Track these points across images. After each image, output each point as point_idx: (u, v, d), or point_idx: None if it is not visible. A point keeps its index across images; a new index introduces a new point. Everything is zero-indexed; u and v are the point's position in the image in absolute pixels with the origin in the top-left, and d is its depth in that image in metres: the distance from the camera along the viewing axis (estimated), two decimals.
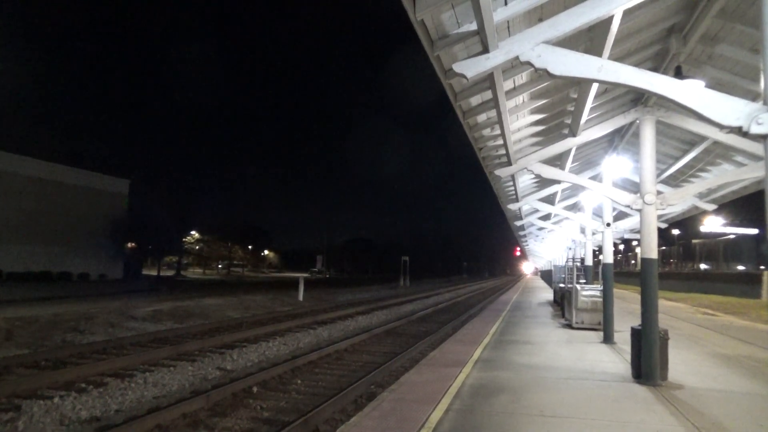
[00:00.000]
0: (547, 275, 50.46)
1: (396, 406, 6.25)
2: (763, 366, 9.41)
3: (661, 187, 12.58)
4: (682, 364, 9.02)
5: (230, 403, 8.03)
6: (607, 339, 11.56)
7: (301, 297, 28.99)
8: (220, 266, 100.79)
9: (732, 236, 38.48)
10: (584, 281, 15.94)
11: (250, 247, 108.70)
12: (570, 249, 24.05)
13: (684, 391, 7.21)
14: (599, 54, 5.53)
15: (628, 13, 5.58)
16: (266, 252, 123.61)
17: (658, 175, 12.58)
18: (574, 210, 17.42)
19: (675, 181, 13.94)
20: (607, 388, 7.35)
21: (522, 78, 7.33)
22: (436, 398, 6.58)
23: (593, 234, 15.72)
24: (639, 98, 8.48)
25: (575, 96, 8.07)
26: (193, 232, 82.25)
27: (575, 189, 15.41)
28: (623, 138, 11.09)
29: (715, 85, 7.75)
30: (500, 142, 9.26)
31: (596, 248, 21.91)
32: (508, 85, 7.14)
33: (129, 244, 57.35)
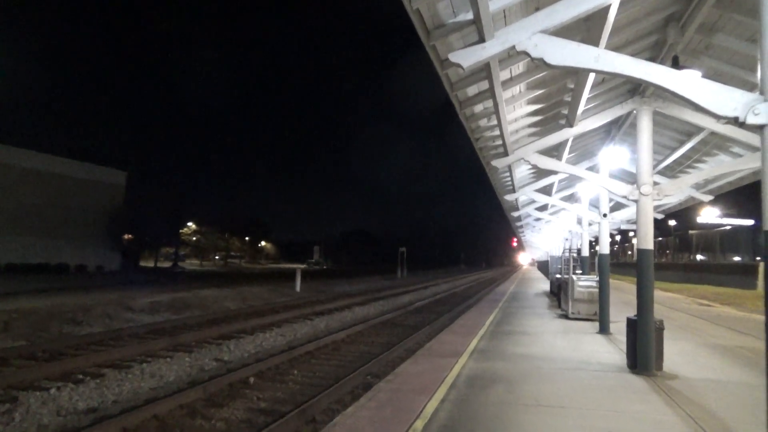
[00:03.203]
0: (543, 266, 50.60)
1: (392, 397, 6.27)
2: (758, 356, 9.44)
3: (658, 178, 12.59)
4: (678, 354, 9.06)
5: (227, 393, 8.06)
6: (603, 329, 11.60)
7: (298, 288, 29.02)
8: (217, 257, 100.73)
9: (728, 227, 38.53)
10: (580, 272, 15.99)
11: (247, 238, 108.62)
12: (567, 240, 24.09)
13: (679, 381, 7.24)
14: (596, 44, 5.50)
15: (625, 3, 5.56)
16: (264, 243, 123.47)
17: (655, 166, 12.60)
18: (571, 201, 17.42)
19: (672, 171, 13.95)
20: (603, 378, 7.38)
21: (519, 68, 7.30)
22: (432, 388, 6.60)
23: (590, 225, 15.75)
24: (636, 89, 8.46)
25: (572, 86, 8.04)
26: (190, 224, 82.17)
27: (572, 180, 15.40)
28: (620, 128, 11.07)
29: (712, 75, 7.74)
30: (497, 132, 9.23)
31: (593, 239, 21.95)
32: (504, 75, 7.11)
33: (126, 236, 57.26)
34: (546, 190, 16.06)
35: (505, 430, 5.11)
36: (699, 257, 39.70)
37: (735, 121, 4.00)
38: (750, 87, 7.15)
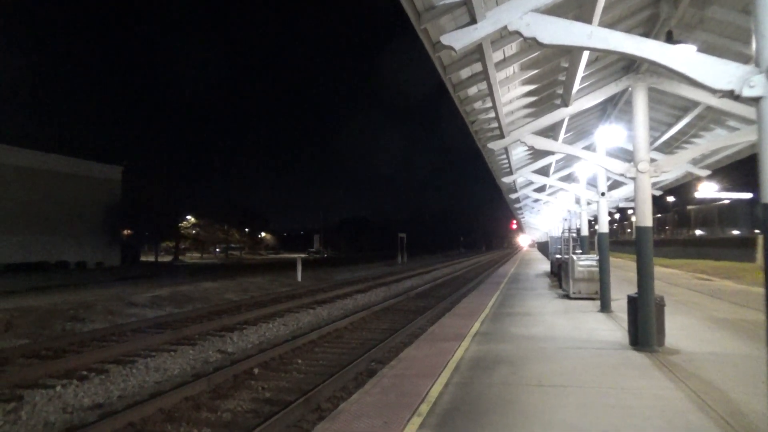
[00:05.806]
0: (543, 247, 50.72)
1: (396, 382, 6.30)
2: (758, 328, 9.50)
3: (655, 155, 12.57)
4: (679, 329, 9.10)
5: (232, 385, 8.09)
6: (604, 308, 11.65)
7: (299, 277, 29.07)
8: (217, 250, 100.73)
9: (727, 201, 38.54)
10: (580, 251, 16.00)
11: (246, 229, 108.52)
12: (566, 220, 24.12)
13: (680, 355, 7.28)
14: (589, 21, 5.45)
15: None
16: (263, 234, 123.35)
17: (652, 143, 12.56)
18: (569, 181, 17.38)
19: (668, 147, 13.90)
20: (605, 356, 7.42)
21: (512, 48, 7.23)
22: (435, 372, 6.63)
23: (588, 204, 15.72)
24: (631, 65, 8.39)
25: (566, 65, 7.98)
26: (189, 217, 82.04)
27: (569, 160, 15.36)
28: (616, 106, 11.02)
29: (707, 49, 7.66)
30: (492, 114, 9.18)
31: (592, 218, 21.96)
32: (497, 56, 7.05)
33: (125, 231, 57.17)
34: (543, 171, 16.02)
35: (508, 411, 5.14)
36: (698, 232, 39.78)
37: (730, 95, 3.97)
38: (745, 59, 7.08)
